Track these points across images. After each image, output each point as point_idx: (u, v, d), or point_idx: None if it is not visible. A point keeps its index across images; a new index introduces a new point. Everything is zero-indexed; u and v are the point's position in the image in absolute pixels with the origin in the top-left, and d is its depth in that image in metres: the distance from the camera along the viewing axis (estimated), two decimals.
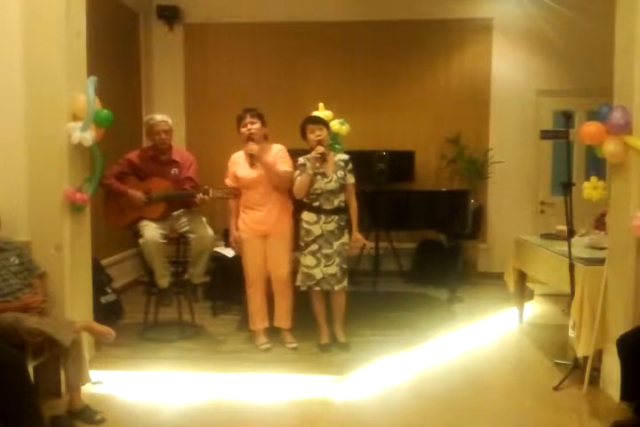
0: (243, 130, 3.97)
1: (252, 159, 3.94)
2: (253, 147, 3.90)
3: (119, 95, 5.57)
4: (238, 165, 4.05)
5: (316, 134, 3.91)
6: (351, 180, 3.99)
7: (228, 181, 4.08)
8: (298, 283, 4.01)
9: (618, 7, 3.37)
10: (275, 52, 6.46)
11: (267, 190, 3.97)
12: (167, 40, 6.53)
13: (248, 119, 3.96)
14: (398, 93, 6.44)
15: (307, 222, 3.95)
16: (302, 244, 3.98)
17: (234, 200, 4.07)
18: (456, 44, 6.40)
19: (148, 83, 6.54)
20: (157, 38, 6.55)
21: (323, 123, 4.00)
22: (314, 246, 3.93)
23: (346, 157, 4.03)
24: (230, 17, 6.41)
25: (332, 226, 3.92)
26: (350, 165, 3.99)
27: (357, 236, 4.01)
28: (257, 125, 3.96)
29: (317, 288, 3.95)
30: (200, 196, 3.95)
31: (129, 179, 4.14)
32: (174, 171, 4.20)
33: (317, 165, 3.88)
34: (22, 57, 3.34)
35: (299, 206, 4.06)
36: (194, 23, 6.50)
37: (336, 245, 3.92)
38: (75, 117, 3.38)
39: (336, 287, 3.94)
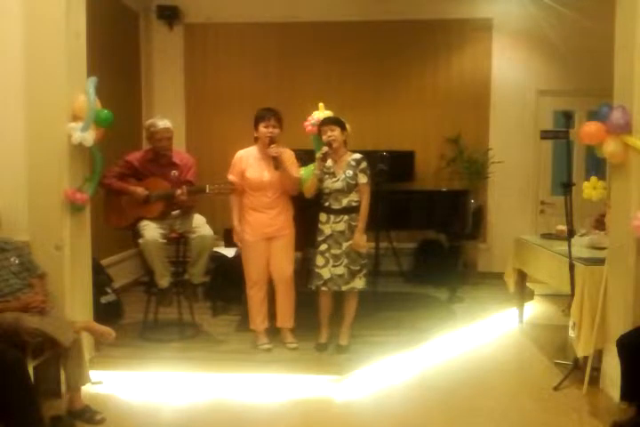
0: (264, 130, 3.91)
1: (276, 162, 3.88)
2: (278, 150, 3.86)
3: (119, 95, 5.56)
4: (248, 164, 3.99)
5: (327, 135, 3.91)
6: (363, 180, 3.88)
7: (233, 178, 4.00)
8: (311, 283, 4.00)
9: (618, 7, 3.37)
10: (275, 51, 6.46)
11: (276, 194, 3.97)
12: (167, 40, 6.52)
13: (272, 122, 3.92)
14: (398, 93, 6.44)
15: (320, 222, 3.98)
16: (316, 243, 3.99)
17: (235, 197, 4.04)
18: (456, 44, 6.40)
19: (148, 83, 6.54)
20: (157, 38, 6.55)
21: (334, 123, 3.95)
22: (323, 246, 3.94)
23: (358, 156, 3.96)
24: (230, 17, 6.42)
25: (341, 226, 3.90)
26: (363, 165, 3.91)
27: (357, 238, 3.86)
28: (277, 131, 3.94)
29: (324, 288, 3.94)
30: (179, 192, 3.95)
31: (128, 180, 4.14)
32: (174, 173, 4.20)
33: (324, 164, 3.89)
34: (22, 57, 3.34)
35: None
36: (194, 23, 6.50)
37: (345, 245, 3.89)
38: (75, 117, 3.38)
39: (343, 288, 3.92)
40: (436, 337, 4.36)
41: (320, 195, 3.99)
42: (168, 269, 4.14)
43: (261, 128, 3.92)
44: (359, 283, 3.93)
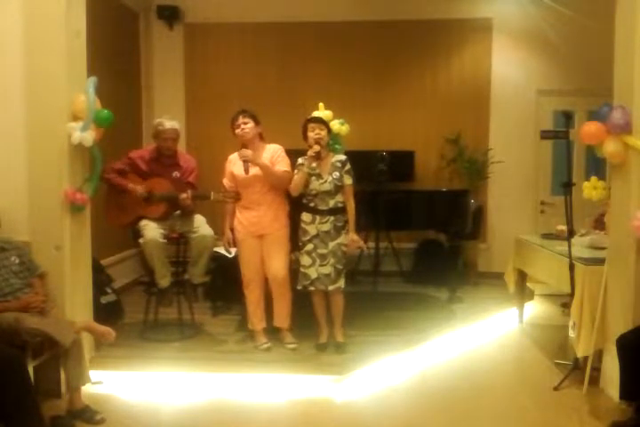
0: (237, 131, 3.97)
1: (246, 165, 3.91)
2: (247, 153, 3.87)
3: (119, 95, 5.56)
4: (235, 164, 4.03)
5: (315, 133, 3.91)
6: (348, 181, 3.95)
7: (226, 181, 4.08)
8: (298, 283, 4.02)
9: (618, 7, 3.37)
10: (275, 52, 6.45)
11: (263, 190, 3.96)
12: (167, 40, 6.52)
13: (240, 120, 3.96)
14: (398, 93, 6.44)
15: (304, 222, 3.98)
16: (300, 243, 4.00)
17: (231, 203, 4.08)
18: (456, 44, 6.40)
19: (148, 83, 6.53)
20: (157, 38, 6.54)
21: (323, 123, 4.01)
22: (309, 246, 3.95)
23: (343, 157, 4.02)
24: (230, 17, 6.41)
25: (327, 226, 3.92)
26: (348, 166, 3.97)
27: (354, 237, 3.96)
28: (250, 125, 3.96)
29: (312, 288, 3.96)
30: (183, 196, 3.97)
31: (130, 176, 4.14)
32: (175, 174, 4.20)
33: (314, 163, 3.90)
34: (22, 57, 3.34)
35: (298, 207, 4.05)
36: (194, 23, 6.50)
37: (331, 245, 3.92)
38: (75, 117, 3.38)
39: (330, 287, 3.94)
40: (435, 337, 4.36)
41: (302, 195, 3.99)
42: (168, 269, 4.14)
43: (235, 130, 3.99)
44: (343, 282, 3.98)
